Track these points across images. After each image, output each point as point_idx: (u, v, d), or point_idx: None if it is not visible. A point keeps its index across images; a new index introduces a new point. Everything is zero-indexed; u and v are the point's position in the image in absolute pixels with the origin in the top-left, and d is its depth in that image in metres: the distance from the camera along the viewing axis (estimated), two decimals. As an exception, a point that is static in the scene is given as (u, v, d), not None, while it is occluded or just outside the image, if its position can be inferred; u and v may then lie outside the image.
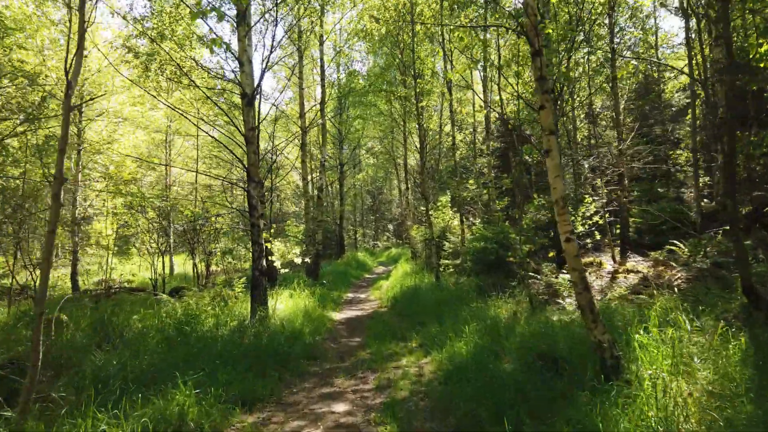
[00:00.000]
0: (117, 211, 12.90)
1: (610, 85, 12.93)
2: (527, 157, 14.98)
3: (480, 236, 10.05)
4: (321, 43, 13.20)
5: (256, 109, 7.85)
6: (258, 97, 9.00)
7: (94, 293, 12.75)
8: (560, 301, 8.15)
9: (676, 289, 7.42)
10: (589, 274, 10.05)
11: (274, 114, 13.89)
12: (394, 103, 17.29)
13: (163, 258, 12.27)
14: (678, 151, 14.99)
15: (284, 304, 8.84)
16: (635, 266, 10.49)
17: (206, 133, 10.09)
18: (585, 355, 4.39)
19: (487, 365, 4.93)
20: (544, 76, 4.52)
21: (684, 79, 16.82)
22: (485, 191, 16.11)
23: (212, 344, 6.09)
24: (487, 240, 9.62)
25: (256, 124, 7.84)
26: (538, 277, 9.90)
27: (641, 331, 4.32)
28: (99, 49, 11.54)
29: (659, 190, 15.74)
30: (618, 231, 12.89)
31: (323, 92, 13.34)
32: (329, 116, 18.51)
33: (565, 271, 9.24)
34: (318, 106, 13.87)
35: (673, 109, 19.08)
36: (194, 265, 11.80)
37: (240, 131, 7.84)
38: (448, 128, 26.94)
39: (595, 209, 12.24)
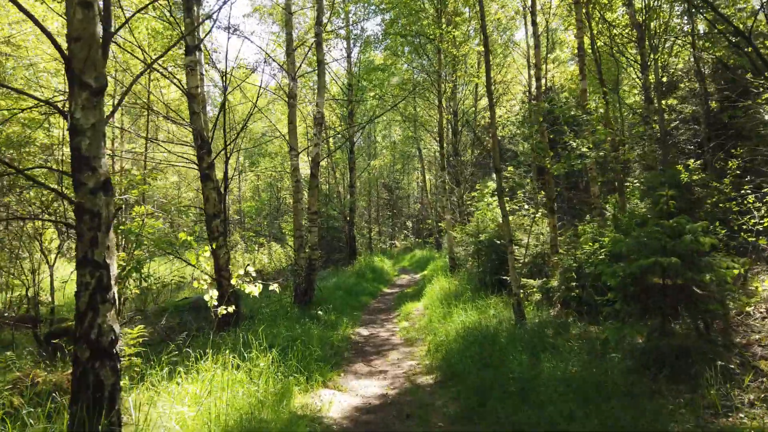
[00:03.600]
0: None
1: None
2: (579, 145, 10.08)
3: (628, 243, 4.87)
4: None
5: None
6: None
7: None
8: None
9: None
10: None
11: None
12: (428, 52, 12.21)
13: (50, 268, 7.42)
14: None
15: (198, 402, 3.83)
16: None
17: None
18: None
19: None
20: None
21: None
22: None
23: None
24: (651, 250, 4.48)
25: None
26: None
27: None
28: None
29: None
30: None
31: (320, 10, 8.36)
32: (334, 64, 13.58)
33: None
34: (314, 34, 8.92)
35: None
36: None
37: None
38: (483, 102, 21.83)
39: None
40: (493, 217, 10.47)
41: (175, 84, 6.56)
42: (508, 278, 8.24)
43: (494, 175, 14.82)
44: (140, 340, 4.83)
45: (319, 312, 7.76)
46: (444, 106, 12.40)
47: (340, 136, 18.26)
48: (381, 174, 31.92)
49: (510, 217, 9.32)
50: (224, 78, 6.53)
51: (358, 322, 9.08)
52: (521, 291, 6.36)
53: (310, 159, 8.80)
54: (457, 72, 12.62)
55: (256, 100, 7.34)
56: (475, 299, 7.99)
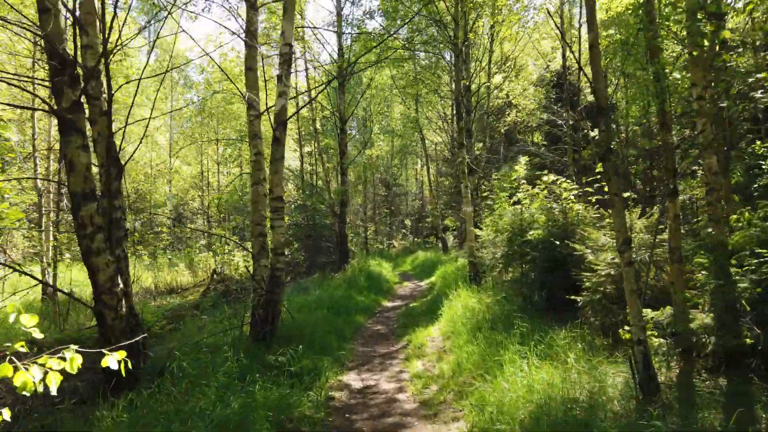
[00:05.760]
0: None
1: None
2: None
3: None
4: None
5: None
6: None
7: None
8: None
9: None
10: None
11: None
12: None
13: None
14: None
15: None
16: None
17: None
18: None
19: None
20: None
21: None
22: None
23: None
24: None
25: None
26: None
27: None
28: None
29: None
30: None
31: None
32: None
33: None
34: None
35: None
36: None
37: None
38: (497, 80, 18.94)
39: None
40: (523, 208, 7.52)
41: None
42: (581, 298, 5.34)
43: (521, 159, 11.89)
44: None
45: (281, 358, 4.73)
46: (460, 67, 9.43)
47: (320, 93, 15.27)
48: (378, 169, 29.00)
49: (571, 207, 6.37)
50: None
51: (346, 361, 6.10)
52: (642, 332, 3.37)
53: (272, 117, 5.79)
54: (478, 20, 9.63)
55: None
56: (533, 333, 5.03)
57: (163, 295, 11.51)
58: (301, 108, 5.57)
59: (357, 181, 25.08)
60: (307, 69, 10.12)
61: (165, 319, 6.87)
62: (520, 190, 9.62)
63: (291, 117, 6.10)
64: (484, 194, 14.01)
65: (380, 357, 6.41)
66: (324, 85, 8.79)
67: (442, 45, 13.02)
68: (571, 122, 12.26)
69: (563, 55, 12.89)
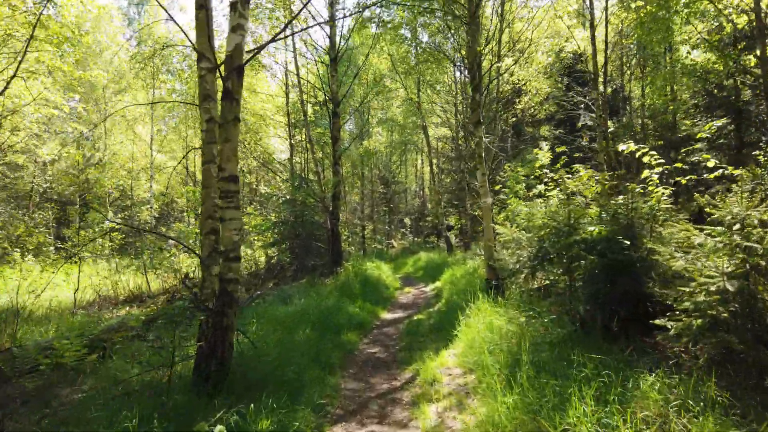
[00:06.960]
0: None
1: None
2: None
3: None
4: None
5: None
6: None
7: None
8: None
9: None
10: None
11: None
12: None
13: None
14: None
15: None
16: None
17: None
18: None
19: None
20: None
21: None
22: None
23: None
24: None
25: None
26: None
27: None
28: None
29: None
30: None
31: None
32: None
33: None
34: None
35: None
36: None
37: None
38: (507, 62, 17.23)
39: None
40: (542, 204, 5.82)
41: None
42: (673, 324, 3.65)
43: (544, 145, 10.29)
44: None
45: (218, 428, 2.97)
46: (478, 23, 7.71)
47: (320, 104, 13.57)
48: (376, 164, 27.26)
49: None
50: None
51: (331, 407, 4.38)
52: None
53: (223, 70, 4.05)
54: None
55: None
56: (610, 379, 3.32)
57: (123, 305, 9.77)
58: (271, 41, 3.88)
59: (354, 176, 23.39)
60: (294, 43, 8.46)
61: (88, 345, 5.14)
62: (545, 180, 8.03)
63: (250, 60, 4.36)
64: (497, 187, 12.36)
65: (378, 398, 4.69)
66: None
67: (450, 19, 11.34)
68: (600, 102, 10.56)
69: (591, 24, 11.17)
